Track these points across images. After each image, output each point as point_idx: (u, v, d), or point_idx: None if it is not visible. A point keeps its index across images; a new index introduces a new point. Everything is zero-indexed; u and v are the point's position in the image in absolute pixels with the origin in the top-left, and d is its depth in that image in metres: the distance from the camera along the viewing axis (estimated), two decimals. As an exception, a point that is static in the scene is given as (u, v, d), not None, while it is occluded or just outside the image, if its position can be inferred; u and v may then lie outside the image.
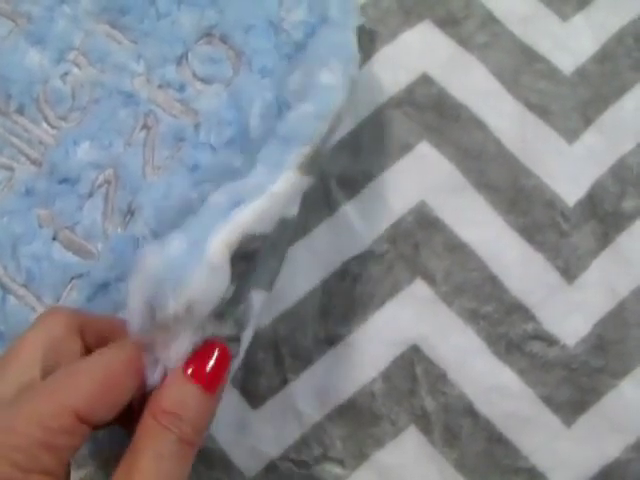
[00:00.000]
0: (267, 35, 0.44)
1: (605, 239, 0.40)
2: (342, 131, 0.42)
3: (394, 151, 0.42)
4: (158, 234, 0.42)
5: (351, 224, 0.41)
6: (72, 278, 0.42)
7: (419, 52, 0.43)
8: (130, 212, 0.43)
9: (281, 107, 0.42)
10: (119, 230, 0.43)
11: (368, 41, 0.44)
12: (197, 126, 0.44)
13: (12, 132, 0.46)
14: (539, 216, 0.41)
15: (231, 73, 0.45)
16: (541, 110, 0.42)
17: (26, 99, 0.46)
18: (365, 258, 0.41)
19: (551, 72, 0.43)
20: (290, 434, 0.39)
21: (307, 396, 0.40)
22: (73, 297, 0.42)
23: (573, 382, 0.38)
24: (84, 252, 0.43)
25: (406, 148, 0.42)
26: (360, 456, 0.39)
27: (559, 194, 0.41)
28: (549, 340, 0.39)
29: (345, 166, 0.42)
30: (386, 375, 0.39)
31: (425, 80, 0.43)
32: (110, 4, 0.46)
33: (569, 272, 0.40)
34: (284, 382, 0.40)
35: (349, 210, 0.41)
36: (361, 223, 0.41)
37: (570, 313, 0.39)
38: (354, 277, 0.40)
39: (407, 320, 0.40)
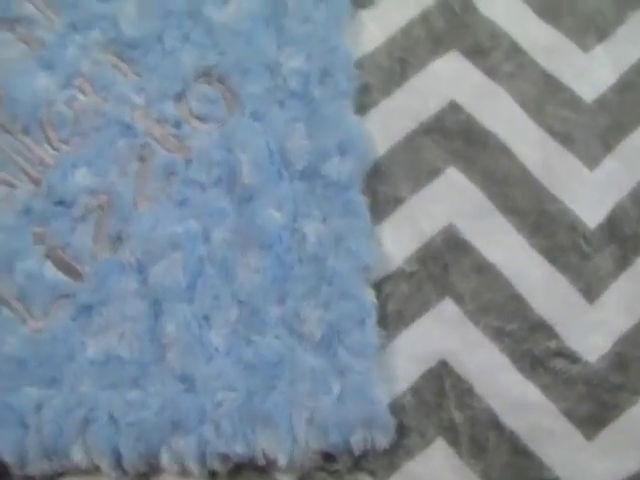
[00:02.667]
0: (262, 80, 0.46)
1: (624, 261, 0.42)
2: (374, 156, 0.45)
3: (424, 176, 0.44)
4: (143, 263, 0.44)
5: (383, 245, 0.43)
6: (60, 296, 0.44)
7: (448, 81, 0.46)
8: (119, 239, 0.45)
9: (272, 154, 0.44)
10: (107, 255, 0.45)
11: (399, 69, 0.46)
12: (188, 162, 0.46)
13: (16, 151, 0.47)
14: (562, 239, 0.43)
15: (226, 114, 0.47)
16: (564, 137, 0.44)
17: (31, 120, 0.48)
18: (396, 277, 0.43)
19: (573, 101, 0.45)
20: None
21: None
22: (59, 315, 0.44)
23: (594, 397, 0.40)
24: (73, 273, 0.45)
25: (435, 173, 0.44)
26: (390, 466, 0.41)
27: (581, 218, 0.43)
28: (571, 357, 0.41)
29: (377, 190, 0.44)
30: (415, 389, 0.41)
31: (453, 108, 0.45)
32: (119, 37, 0.48)
33: (590, 293, 0.42)
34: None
35: (381, 232, 0.43)
36: (392, 244, 0.43)
37: (591, 331, 0.41)
38: (386, 295, 0.42)
39: (436, 337, 0.42)
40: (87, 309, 0.44)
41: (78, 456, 0.41)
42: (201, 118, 0.47)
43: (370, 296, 0.41)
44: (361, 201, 0.43)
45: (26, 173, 0.47)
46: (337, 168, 0.43)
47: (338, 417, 0.39)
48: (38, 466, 0.41)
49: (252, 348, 0.41)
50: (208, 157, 0.45)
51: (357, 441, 0.39)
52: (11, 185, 0.47)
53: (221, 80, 0.47)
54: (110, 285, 0.44)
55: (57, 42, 0.49)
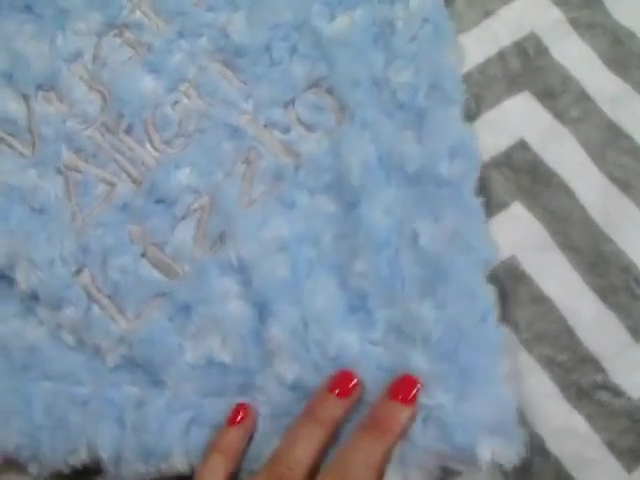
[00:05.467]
0: (371, 91, 0.47)
1: (671, 305, 0.45)
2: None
3: (491, 207, 0.46)
4: (245, 263, 0.44)
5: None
6: (155, 296, 0.45)
7: (519, 119, 0.48)
8: (220, 239, 0.45)
9: (382, 158, 0.45)
10: (207, 255, 0.45)
11: (474, 104, 0.48)
12: (297, 167, 0.46)
13: (118, 150, 0.48)
14: (614, 279, 0.45)
15: (333, 123, 0.48)
16: (623, 184, 0.47)
17: (136, 120, 0.49)
18: (459, 302, 0.45)
19: (634, 150, 0.47)
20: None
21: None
22: (155, 315, 0.44)
23: (636, 431, 0.43)
24: (170, 271, 0.45)
25: (502, 206, 0.47)
26: (439, 482, 0.43)
27: (634, 261, 0.45)
28: (615, 391, 0.43)
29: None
30: (468, 409, 0.43)
31: (522, 146, 0.48)
32: (227, 46, 0.49)
33: (638, 332, 0.44)
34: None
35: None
36: (457, 270, 0.45)
37: (636, 368, 0.44)
38: (448, 318, 0.44)
39: (491, 361, 0.44)
40: (185, 309, 0.44)
41: (179, 460, 0.41)
42: (309, 126, 0.48)
43: (490, 292, 0.42)
44: (475, 200, 0.44)
45: (127, 172, 0.48)
46: (449, 170, 0.44)
47: (459, 415, 0.39)
48: (133, 466, 0.41)
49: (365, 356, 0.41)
50: (317, 163, 0.46)
51: (483, 444, 0.38)
52: (111, 184, 0.48)
53: (330, 91, 0.48)
54: (210, 285, 0.44)
55: (164, 47, 0.50)
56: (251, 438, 0.40)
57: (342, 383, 0.38)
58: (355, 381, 0.38)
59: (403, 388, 0.37)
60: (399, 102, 0.46)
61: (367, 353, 0.41)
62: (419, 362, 0.40)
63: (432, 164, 0.44)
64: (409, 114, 0.46)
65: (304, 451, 0.36)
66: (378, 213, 0.44)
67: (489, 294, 0.42)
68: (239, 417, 0.40)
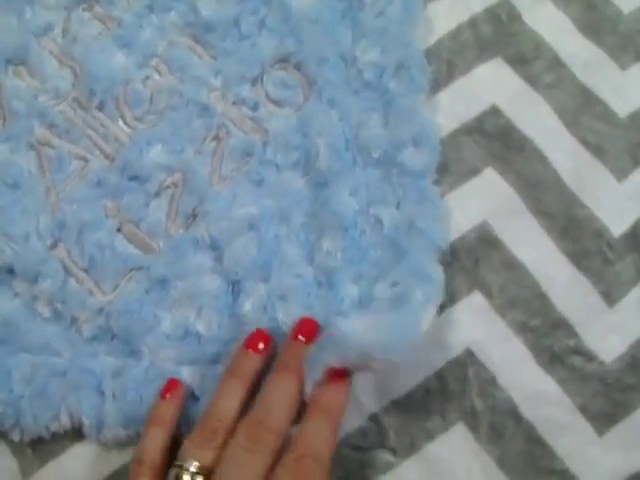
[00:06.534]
0: (338, 68, 0.47)
1: (644, 270, 0.45)
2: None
3: (463, 173, 0.46)
4: (216, 240, 0.45)
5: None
6: (131, 269, 0.45)
7: (491, 85, 0.48)
8: (193, 216, 0.46)
9: (348, 141, 0.45)
10: (180, 231, 0.46)
11: (446, 70, 0.48)
12: (265, 144, 0.47)
13: (90, 126, 0.48)
14: (587, 244, 0.45)
15: (302, 99, 0.48)
16: (596, 149, 0.46)
17: (107, 97, 0.48)
18: (430, 267, 0.45)
19: (607, 115, 0.47)
20: (350, 423, 0.43)
21: (367, 389, 0.43)
22: (131, 287, 0.45)
23: (607, 395, 0.43)
24: (146, 247, 0.46)
25: (474, 172, 0.46)
26: (411, 446, 0.43)
27: (607, 226, 0.45)
28: (588, 356, 0.43)
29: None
30: (440, 375, 0.43)
31: (494, 112, 0.47)
32: (196, 20, 0.49)
33: (610, 296, 0.44)
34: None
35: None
36: (429, 235, 0.45)
37: (609, 333, 0.44)
38: (419, 283, 0.44)
39: (463, 327, 0.44)
40: (162, 282, 0.44)
41: None
42: (277, 102, 0.48)
43: (440, 273, 0.42)
44: (435, 190, 0.44)
45: (100, 148, 0.48)
46: (412, 158, 0.44)
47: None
48: (113, 431, 0.42)
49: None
50: (285, 140, 0.46)
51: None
52: (84, 160, 0.48)
53: (298, 67, 0.48)
54: (186, 260, 0.45)
55: (134, 22, 0.49)
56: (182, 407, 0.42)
57: (255, 341, 0.41)
58: (267, 338, 0.41)
59: (304, 328, 0.41)
60: (365, 81, 0.47)
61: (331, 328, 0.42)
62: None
63: (396, 151, 0.45)
64: (375, 93, 0.46)
65: (229, 404, 0.39)
66: (346, 195, 0.44)
67: (439, 275, 0.42)
68: (171, 391, 0.42)
